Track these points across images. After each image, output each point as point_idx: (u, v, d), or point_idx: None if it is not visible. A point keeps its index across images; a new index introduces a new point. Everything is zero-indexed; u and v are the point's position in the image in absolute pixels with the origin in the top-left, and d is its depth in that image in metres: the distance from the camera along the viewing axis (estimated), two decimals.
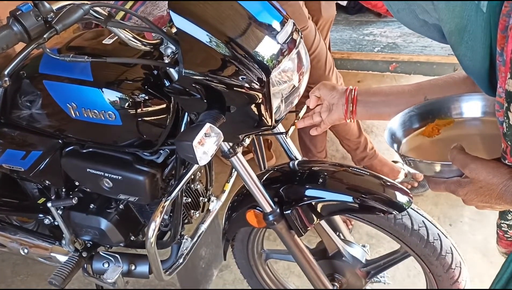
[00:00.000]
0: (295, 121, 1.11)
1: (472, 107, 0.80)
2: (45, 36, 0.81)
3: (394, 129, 0.81)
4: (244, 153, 1.81)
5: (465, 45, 0.60)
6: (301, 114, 1.20)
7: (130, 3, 1.50)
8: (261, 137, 1.34)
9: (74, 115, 1.10)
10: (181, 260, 1.34)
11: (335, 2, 1.99)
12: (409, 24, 0.69)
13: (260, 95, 0.90)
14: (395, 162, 2.14)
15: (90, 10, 0.87)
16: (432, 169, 0.70)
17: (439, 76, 0.91)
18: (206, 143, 0.85)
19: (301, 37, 0.99)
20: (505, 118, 0.56)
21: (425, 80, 0.90)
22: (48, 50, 0.87)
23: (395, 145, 0.79)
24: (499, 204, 0.64)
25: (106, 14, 0.90)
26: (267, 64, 0.89)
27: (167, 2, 0.90)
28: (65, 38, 1.18)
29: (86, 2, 0.89)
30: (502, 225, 0.79)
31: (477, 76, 0.63)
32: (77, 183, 1.31)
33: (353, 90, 0.95)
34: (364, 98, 0.94)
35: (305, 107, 1.27)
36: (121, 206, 1.31)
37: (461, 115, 0.81)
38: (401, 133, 0.82)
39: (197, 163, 0.85)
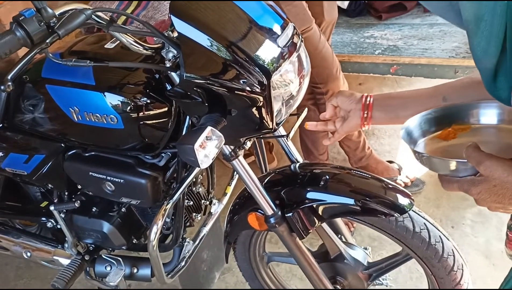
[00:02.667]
0: (305, 123, 1.09)
1: (489, 114, 0.79)
2: (47, 41, 0.82)
3: (410, 129, 0.81)
4: (246, 156, 1.82)
5: (480, 35, 0.59)
6: (302, 116, 1.21)
7: (131, 7, 1.51)
8: (262, 139, 1.35)
9: (76, 119, 1.10)
10: (183, 263, 1.34)
11: (337, 5, 2.00)
12: (436, 10, 0.68)
13: (261, 98, 0.90)
14: (390, 162, 2.15)
15: (92, 15, 0.88)
16: (447, 167, 0.69)
17: (440, 78, 0.92)
18: (208, 146, 0.85)
19: (301, 41, 1.00)
20: None
21: (443, 83, 0.90)
22: (50, 54, 0.88)
23: (411, 144, 0.79)
24: None
25: (108, 19, 0.90)
26: (267, 67, 0.90)
27: (168, 6, 0.90)
28: (67, 42, 1.19)
29: (88, 7, 0.89)
30: (511, 226, 0.79)
31: (485, 70, 0.63)
32: (79, 187, 1.32)
33: (369, 96, 0.96)
34: (381, 102, 0.94)
35: (306, 110, 1.27)
36: (123, 209, 1.32)
37: (478, 121, 0.80)
38: (417, 134, 0.81)
39: (199, 166, 0.85)
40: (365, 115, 0.94)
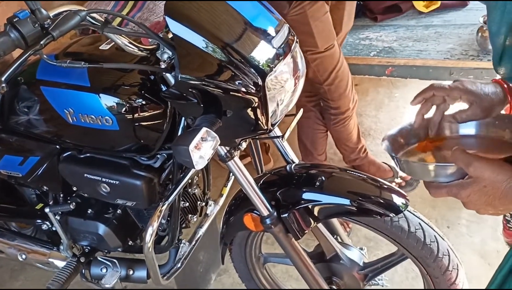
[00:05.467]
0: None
1: (465, 125, 0.81)
2: (42, 42, 0.82)
3: (390, 142, 0.83)
4: (242, 157, 1.81)
5: (496, 11, 0.60)
6: (297, 117, 1.21)
7: (127, 9, 1.51)
8: (258, 140, 1.35)
9: (71, 121, 1.10)
10: (179, 265, 1.34)
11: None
12: None
13: (256, 99, 0.91)
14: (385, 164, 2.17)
15: (87, 17, 0.88)
16: (426, 171, 0.70)
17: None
18: (203, 148, 0.85)
19: (296, 42, 1.00)
20: None
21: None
22: (45, 56, 0.88)
23: (393, 153, 0.81)
24: (503, 204, 0.63)
25: (103, 20, 0.90)
26: (262, 68, 0.90)
27: (163, 8, 0.90)
28: (62, 43, 1.18)
29: (83, 8, 0.89)
30: (506, 214, 0.80)
31: (497, 47, 0.63)
32: (74, 189, 1.31)
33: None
34: None
35: (301, 110, 1.27)
36: (118, 211, 1.31)
37: (457, 132, 0.82)
38: (397, 146, 0.84)
39: (194, 168, 0.85)
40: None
